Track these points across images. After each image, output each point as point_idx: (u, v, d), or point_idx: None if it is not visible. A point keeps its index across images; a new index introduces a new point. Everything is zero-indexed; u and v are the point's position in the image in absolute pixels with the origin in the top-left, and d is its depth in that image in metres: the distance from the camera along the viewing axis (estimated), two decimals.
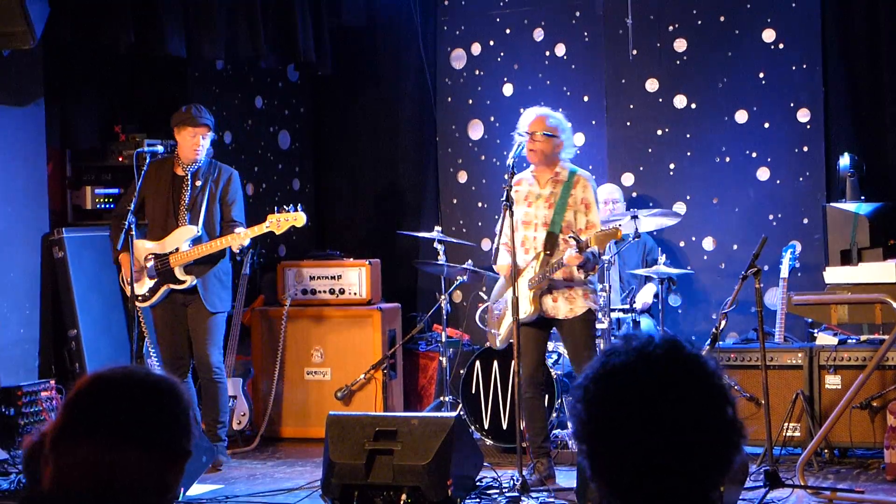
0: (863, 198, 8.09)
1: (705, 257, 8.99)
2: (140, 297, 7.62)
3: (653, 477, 1.92)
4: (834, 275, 7.54)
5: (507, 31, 9.54)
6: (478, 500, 6.58)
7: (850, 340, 7.48)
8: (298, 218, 7.55)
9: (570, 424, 7.65)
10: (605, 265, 7.84)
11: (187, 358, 7.70)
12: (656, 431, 1.91)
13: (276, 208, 7.70)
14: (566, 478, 6.93)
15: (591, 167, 9.01)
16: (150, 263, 7.60)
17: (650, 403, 1.92)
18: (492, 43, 9.59)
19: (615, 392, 1.95)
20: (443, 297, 8.31)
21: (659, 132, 9.09)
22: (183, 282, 7.56)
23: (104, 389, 2.14)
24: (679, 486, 1.93)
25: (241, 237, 7.49)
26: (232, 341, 8.32)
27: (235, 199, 7.71)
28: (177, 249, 7.55)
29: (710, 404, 1.95)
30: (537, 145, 6.85)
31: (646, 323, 8.27)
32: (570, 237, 6.59)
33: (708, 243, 8.98)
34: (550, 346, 7.85)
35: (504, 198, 6.58)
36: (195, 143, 7.55)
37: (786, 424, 7.33)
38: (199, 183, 7.62)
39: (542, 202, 6.90)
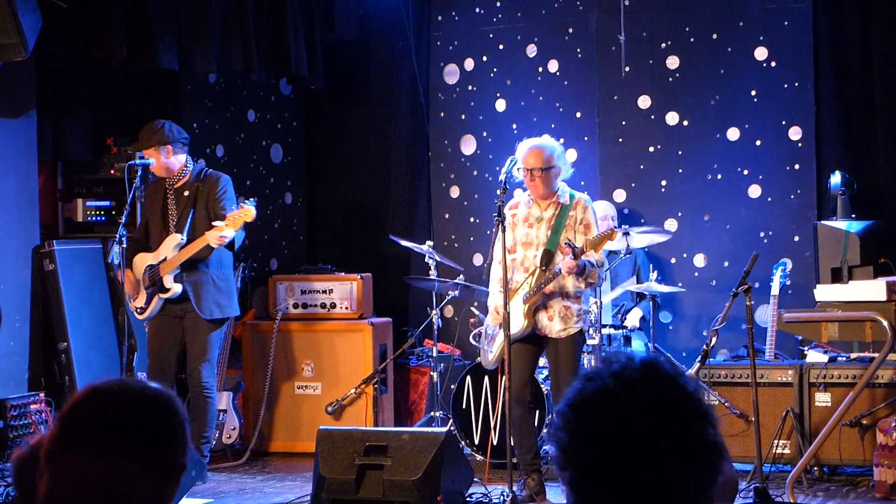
0: (854, 216, 8.12)
1: (696, 274, 9.00)
2: (139, 310, 7.67)
3: (631, 502, 1.91)
4: (824, 292, 7.54)
5: (501, 46, 9.56)
6: None
7: (840, 358, 7.49)
8: (249, 213, 7.28)
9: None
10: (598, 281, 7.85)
11: (172, 372, 7.64)
12: (633, 456, 1.89)
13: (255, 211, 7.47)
14: (557, 494, 6.93)
15: (582, 183, 9.03)
16: (146, 274, 7.62)
17: (626, 428, 1.90)
18: (485, 58, 9.61)
19: (591, 418, 1.93)
20: (434, 312, 8.31)
21: (651, 149, 9.11)
22: (168, 290, 7.52)
23: (100, 402, 2.12)
24: None
25: (218, 230, 7.28)
26: (223, 355, 8.30)
27: (223, 196, 7.54)
28: (165, 258, 7.56)
29: (687, 426, 1.92)
30: (537, 180, 6.84)
31: (637, 341, 8.28)
32: (565, 244, 6.60)
33: (699, 260, 9.00)
34: (542, 361, 7.85)
35: (496, 212, 6.57)
36: (159, 162, 7.53)
37: (776, 441, 7.34)
38: (186, 193, 7.60)
39: (545, 224, 6.90)
